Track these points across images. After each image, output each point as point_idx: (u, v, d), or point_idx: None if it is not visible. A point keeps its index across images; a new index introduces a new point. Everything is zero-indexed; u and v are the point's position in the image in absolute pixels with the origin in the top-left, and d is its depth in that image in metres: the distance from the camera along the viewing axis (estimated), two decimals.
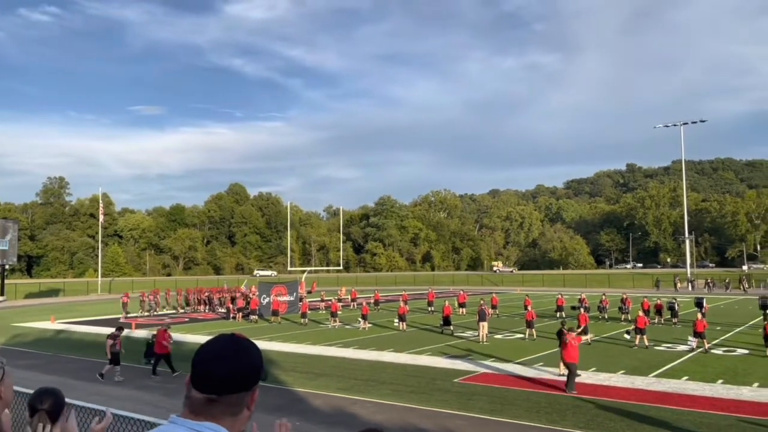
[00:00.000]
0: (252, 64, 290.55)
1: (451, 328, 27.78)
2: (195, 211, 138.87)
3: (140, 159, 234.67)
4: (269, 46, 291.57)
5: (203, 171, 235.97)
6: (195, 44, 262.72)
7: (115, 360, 17.85)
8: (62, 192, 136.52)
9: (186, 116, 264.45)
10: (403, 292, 45.30)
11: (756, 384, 15.87)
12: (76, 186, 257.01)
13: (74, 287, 77.95)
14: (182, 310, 42.50)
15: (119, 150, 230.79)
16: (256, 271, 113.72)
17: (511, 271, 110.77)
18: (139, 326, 31.70)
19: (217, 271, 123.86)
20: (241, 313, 35.74)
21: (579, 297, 35.85)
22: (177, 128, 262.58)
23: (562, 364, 16.66)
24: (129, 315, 38.59)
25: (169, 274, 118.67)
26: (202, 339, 25.54)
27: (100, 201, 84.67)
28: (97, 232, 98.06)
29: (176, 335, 27.91)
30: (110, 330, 30.85)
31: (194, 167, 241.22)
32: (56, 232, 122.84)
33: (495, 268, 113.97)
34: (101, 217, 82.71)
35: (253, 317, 34.67)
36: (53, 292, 73.01)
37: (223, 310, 39.13)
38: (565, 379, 15.87)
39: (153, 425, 5.04)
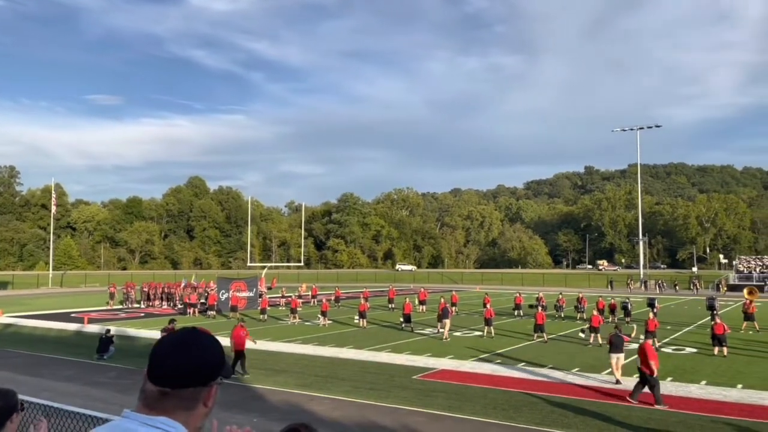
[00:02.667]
0: (213, 56, 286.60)
1: (411, 325, 27.93)
2: (153, 204, 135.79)
3: (96, 149, 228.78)
4: (231, 38, 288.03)
5: (162, 163, 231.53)
6: (155, 34, 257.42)
7: None
8: (12, 181, 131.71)
9: (145, 107, 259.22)
10: (364, 289, 45.33)
11: (703, 382, 16.44)
12: (27, 175, 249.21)
13: (24, 280, 75.30)
14: (135, 305, 41.77)
15: (74, 140, 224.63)
16: (398, 266, 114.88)
17: (616, 270, 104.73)
18: (92, 321, 30.86)
19: (175, 265, 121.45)
20: (195, 308, 35.11)
21: (536, 296, 36.53)
22: (135, 119, 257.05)
23: (618, 372, 16.06)
24: (115, 307, 38.60)
25: (124, 268, 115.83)
26: (158, 334, 24.90)
27: (53, 191, 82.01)
28: (48, 224, 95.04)
29: (131, 330, 27.33)
30: (57, 324, 30.07)
31: (152, 159, 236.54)
32: (5, 223, 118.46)
33: (601, 267, 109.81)
34: (53, 208, 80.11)
35: (211, 313, 34.13)
36: (1, 285, 70.35)
37: (180, 305, 38.44)
38: (618, 387, 15.53)
39: (105, 422, 4.89)
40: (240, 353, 17.12)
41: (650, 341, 15.23)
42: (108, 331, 21.28)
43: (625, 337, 16.73)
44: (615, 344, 16.24)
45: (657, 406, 13.56)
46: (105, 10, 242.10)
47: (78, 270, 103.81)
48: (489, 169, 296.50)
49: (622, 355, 16.20)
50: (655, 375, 13.99)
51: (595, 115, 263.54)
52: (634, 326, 21.59)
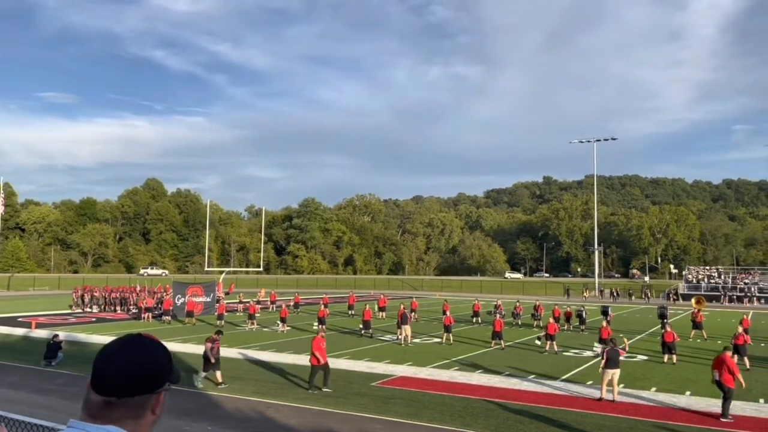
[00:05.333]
0: (174, 57, 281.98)
1: (371, 331, 27.88)
2: (107, 205, 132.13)
3: (48, 149, 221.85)
4: (193, 40, 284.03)
5: (118, 164, 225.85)
6: (113, 32, 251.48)
7: (207, 365, 16.22)
8: None
9: (101, 106, 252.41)
10: (324, 296, 45.07)
11: (654, 388, 16.89)
12: None
13: None
14: (80, 310, 40.58)
15: (25, 138, 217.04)
16: (507, 273, 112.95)
17: (645, 280, 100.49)
18: (40, 326, 29.79)
19: (129, 269, 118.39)
20: (150, 314, 34.31)
21: (495, 303, 36.97)
22: (91, 118, 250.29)
23: (605, 387, 15.12)
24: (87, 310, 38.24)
25: (76, 271, 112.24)
26: (110, 340, 24.21)
27: (1, 190, 78.92)
28: None
29: (81, 336, 26.50)
30: (3, 329, 28.87)
31: (108, 160, 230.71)
32: None
33: (635, 276, 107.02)
34: (1, 208, 77.04)
35: (166, 318, 33.38)
36: None
37: (135, 310, 37.51)
38: (607, 400, 14.95)
39: (52, 431, 4.72)
40: (319, 366, 16.02)
41: (729, 353, 14.04)
42: (56, 336, 20.57)
43: (620, 350, 16.02)
44: (612, 359, 15.12)
45: (722, 419, 13.28)
46: (61, 6, 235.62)
47: (26, 273, 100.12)
48: (450, 177, 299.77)
49: (618, 371, 15.20)
50: (734, 388, 13.50)
51: (553, 126, 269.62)
52: (625, 339, 21.28)
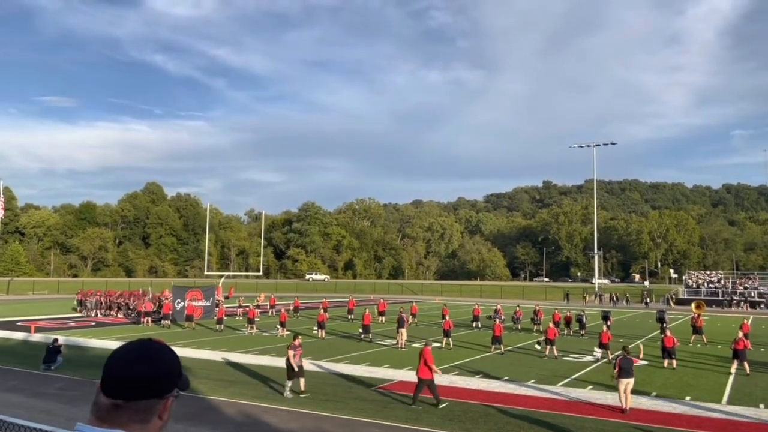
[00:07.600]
0: (174, 61, 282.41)
1: (370, 336, 27.86)
2: (107, 209, 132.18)
3: (48, 153, 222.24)
4: (193, 44, 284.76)
5: (118, 168, 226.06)
6: (113, 37, 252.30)
7: (291, 373, 15.78)
8: None
9: (101, 110, 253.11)
10: (324, 300, 45.04)
11: (654, 393, 16.86)
12: None
13: None
14: (84, 313, 40.51)
15: (25, 142, 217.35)
16: (595, 280, 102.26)
17: (645, 285, 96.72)
18: (39, 330, 29.75)
19: (129, 273, 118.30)
20: (149, 318, 34.26)
21: (495, 308, 36.95)
22: (91, 122, 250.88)
23: (623, 396, 14.47)
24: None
25: (75, 275, 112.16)
26: (110, 344, 24.28)
27: (1, 194, 78.94)
28: None
29: (80, 340, 26.46)
30: (2, 333, 28.84)
31: (108, 164, 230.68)
32: None
33: (641, 280, 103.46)
34: (1, 212, 77.08)
35: (165, 322, 33.35)
36: None
37: (134, 315, 37.44)
38: (620, 405, 14.42)
39: None
40: (426, 380, 14.99)
41: None
42: (55, 340, 20.56)
43: (633, 359, 15.59)
44: (624, 368, 14.57)
45: None
46: (60, 10, 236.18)
47: (26, 277, 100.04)
48: (450, 181, 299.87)
49: (632, 380, 14.60)
50: None
51: (553, 130, 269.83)
52: (641, 346, 20.99)
